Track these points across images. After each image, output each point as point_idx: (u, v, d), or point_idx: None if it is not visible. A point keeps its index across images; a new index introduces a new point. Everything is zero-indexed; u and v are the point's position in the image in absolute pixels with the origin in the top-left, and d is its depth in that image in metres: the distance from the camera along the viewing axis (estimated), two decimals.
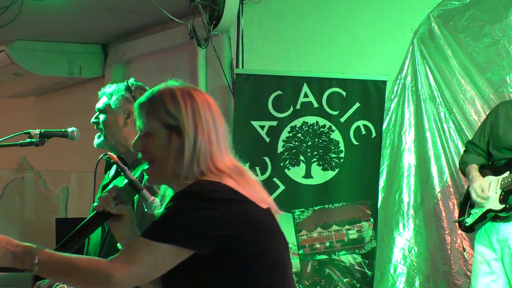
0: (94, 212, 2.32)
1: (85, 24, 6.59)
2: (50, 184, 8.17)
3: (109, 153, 2.91)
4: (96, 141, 3.68)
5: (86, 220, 2.33)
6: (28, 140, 3.37)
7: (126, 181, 2.82)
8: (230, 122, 5.69)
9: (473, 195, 4.61)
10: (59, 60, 7.23)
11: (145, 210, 2.88)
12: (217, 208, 2.10)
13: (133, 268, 2.09)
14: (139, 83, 3.71)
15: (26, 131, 3.39)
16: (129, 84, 3.67)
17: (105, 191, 2.35)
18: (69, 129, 3.47)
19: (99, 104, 3.68)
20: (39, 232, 7.92)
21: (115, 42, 7.11)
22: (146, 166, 2.26)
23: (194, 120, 2.20)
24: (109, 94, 3.66)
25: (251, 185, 2.21)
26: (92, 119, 3.69)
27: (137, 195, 2.52)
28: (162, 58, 6.71)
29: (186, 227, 2.08)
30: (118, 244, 2.36)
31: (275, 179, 5.34)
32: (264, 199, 2.23)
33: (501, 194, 4.54)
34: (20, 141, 3.39)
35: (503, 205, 4.52)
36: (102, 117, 3.65)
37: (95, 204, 2.32)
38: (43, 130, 3.39)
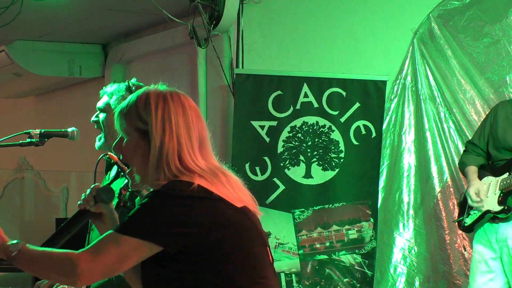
0: (78, 211, 2.42)
1: (85, 24, 6.59)
2: (50, 184, 8.17)
3: (109, 153, 2.91)
4: (97, 143, 3.67)
5: (69, 218, 2.41)
6: (28, 140, 3.37)
7: (126, 181, 2.83)
8: (230, 122, 5.69)
9: (469, 201, 4.62)
10: (59, 60, 7.23)
11: None
12: (183, 205, 2.16)
13: (97, 259, 2.15)
14: (140, 83, 3.71)
15: (26, 131, 3.39)
16: (130, 84, 3.67)
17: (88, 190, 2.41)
18: (69, 129, 3.47)
19: (100, 103, 3.68)
20: (39, 232, 7.91)
21: (115, 42, 7.11)
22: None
23: (162, 124, 2.25)
24: (109, 93, 3.65)
25: (226, 185, 2.25)
26: (92, 118, 3.69)
27: (138, 197, 2.52)
28: (162, 58, 6.71)
29: (152, 222, 2.15)
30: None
31: (275, 179, 5.34)
32: (239, 199, 2.25)
33: (499, 195, 4.54)
34: (20, 141, 3.39)
35: (502, 207, 4.52)
36: (102, 116, 3.65)
37: (79, 203, 2.40)
38: (43, 130, 3.38)
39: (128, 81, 3.69)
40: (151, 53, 6.76)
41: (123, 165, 2.86)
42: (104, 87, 3.71)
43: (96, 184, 2.41)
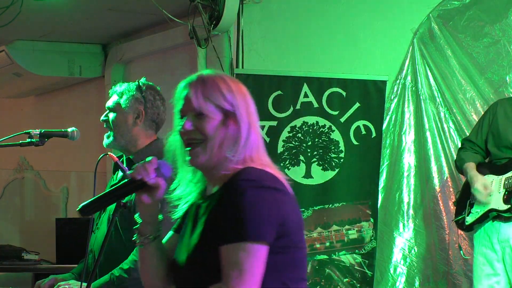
0: (128, 180, 2.24)
1: (85, 24, 6.59)
2: (50, 184, 8.17)
3: (109, 153, 2.91)
4: (106, 141, 3.67)
5: (117, 184, 2.26)
6: (28, 140, 3.38)
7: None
8: None
9: (478, 196, 4.58)
10: (59, 60, 7.23)
11: None
12: (280, 200, 2.12)
13: (247, 279, 2.03)
14: (151, 83, 3.72)
15: (26, 131, 3.39)
16: (140, 84, 3.68)
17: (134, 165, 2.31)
18: (69, 129, 3.47)
19: (109, 103, 3.68)
20: (39, 232, 7.92)
21: (115, 42, 7.11)
22: (187, 149, 2.23)
23: (247, 110, 2.25)
24: (119, 93, 3.65)
25: None
26: (102, 117, 3.69)
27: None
28: (162, 58, 6.71)
29: (267, 222, 2.07)
30: (136, 215, 2.31)
31: None
32: None
33: (504, 194, 4.52)
34: (20, 141, 3.39)
35: (508, 206, 4.49)
36: (112, 115, 3.65)
37: (130, 172, 2.24)
38: (43, 130, 3.39)
39: (138, 81, 3.69)
40: (151, 53, 6.76)
41: (123, 165, 2.86)
42: (113, 87, 3.71)
43: (153, 157, 2.27)
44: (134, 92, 3.64)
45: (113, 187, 2.25)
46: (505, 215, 4.51)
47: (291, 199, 2.18)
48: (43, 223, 7.97)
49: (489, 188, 4.56)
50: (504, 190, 4.52)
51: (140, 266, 2.36)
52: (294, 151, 5.36)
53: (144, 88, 3.66)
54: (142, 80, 3.72)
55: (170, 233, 2.41)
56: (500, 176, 4.58)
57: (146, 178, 2.20)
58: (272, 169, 2.20)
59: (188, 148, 2.23)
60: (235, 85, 2.28)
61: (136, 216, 2.29)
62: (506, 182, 4.53)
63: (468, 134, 5.28)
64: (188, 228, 2.28)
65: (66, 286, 3.50)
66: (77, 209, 2.18)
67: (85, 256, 3.61)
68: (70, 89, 7.86)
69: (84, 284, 3.30)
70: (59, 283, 3.52)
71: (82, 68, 7.28)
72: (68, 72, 7.27)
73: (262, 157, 2.23)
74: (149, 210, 2.26)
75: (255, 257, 2.04)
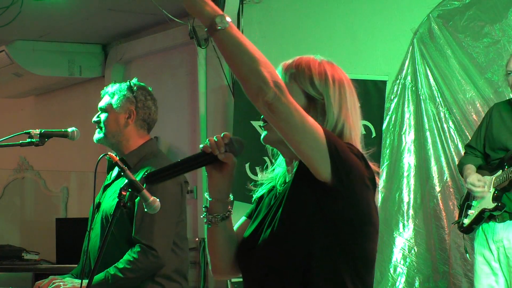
0: (199, 152, 2.17)
1: (85, 24, 6.59)
2: (50, 184, 8.17)
3: (109, 153, 2.91)
4: (96, 136, 3.69)
5: (188, 156, 2.18)
6: (28, 140, 3.38)
7: (126, 181, 2.83)
8: (230, 122, 5.69)
9: (474, 190, 4.62)
10: (59, 60, 7.23)
11: (145, 210, 2.88)
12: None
13: (288, 97, 2.05)
14: (142, 84, 3.72)
15: (26, 131, 3.39)
16: (132, 84, 3.68)
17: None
18: (69, 129, 3.47)
19: (101, 103, 3.68)
20: (39, 232, 7.92)
21: (115, 42, 7.11)
22: (263, 124, 2.19)
23: (339, 102, 2.19)
24: (111, 93, 3.66)
25: None
26: (94, 118, 3.70)
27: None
28: (162, 58, 6.71)
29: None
30: (206, 193, 2.23)
31: None
32: None
33: (494, 192, 4.56)
34: (20, 141, 3.39)
35: (496, 204, 4.54)
36: (103, 116, 3.66)
37: (202, 146, 2.17)
38: (43, 130, 3.39)
39: (129, 81, 3.69)
40: (151, 53, 6.76)
41: (123, 165, 2.86)
42: (105, 87, 3.72)
43: (226, 132, 2.21)
44: (125, 92, 3.65)
45: (184, 158, 2.18)
46: (494, 213, 4.55)
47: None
48: (43, 223, 7.97)
49: (483, 180, 4.59)
50: (493, 189, 4.57)
51: (208, 246, 2.27)
52: None
53: (135, 88, 3.67)
54: (134, 80, 3.73)
55: (243, 218, 2.34)
56: (492, 176, 4.62)
57: (216, 152, 2.14)
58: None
59: (263, 124, 2.20)
60: (335, 73, 2.23)
61: (206, 194, 2.22)
62: (496, 181, 4.57)
63: (468, 134, 5.30)
64: (262, 213, 2.22)
65: (61, 283, 3.50)
66: (144, 176, 2.12)
67: (84, 256, 3.61)
68: (70, 89, 7.86)
69: (84, 283, 3.30)
70: (53, 281, 3.52)
71: (82, 68, 7.28)
72: (68, 72, 7.27)
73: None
74: (218, 186, 2.19)
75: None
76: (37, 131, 3.38)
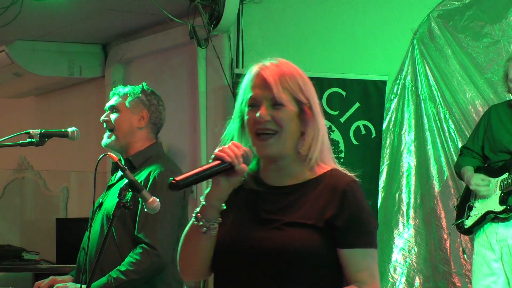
0: (219, 160, 2.15)
1: (85, 24, 6.59)
2: (50, 184, 8.17)
3: (109, 153, 2.91)
4: (106, 140, 3.68)
5: (209, 164, 2.16)
6: (28, 140, 3.38)
7: (126, 181, 2.83)
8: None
9: (479, 190, 4.59)
10: (59, 60, 7.22)
11: (145, 210, 2.88)
12: None
13: (378, 282, 2.19)
14: (152, 89, 3.76)
15: (26, 131, 3.39)
16: (145, 88, 3.71)
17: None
18: (69, 129, 3.47)
19: (112, 102, 3.68)
20: (39, 232, 7.91)
21: (115, 42, 7.11)
22: (261, 137, 2.19)
23: (320, 108, 2.24)
24: (123, 93, 3.67)
25: None
26: (103, 117, 3.70)
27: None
28: (162, 58, 6.70)
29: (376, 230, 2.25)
30: (202, 197, 2.21)
31: None
32: None
33: (500, 195, 4.55)
34: (20, 141, 3.39)
35: (504, 207, 4.52)
36: (114, 116, 3.66)
37: (218, 149, 2.16)
38: (43, 130, 3.39)
39: (142, 85, 3.73)
40: (151, 53, 6.76)
41: (122, 165, 2.86)
42: (115, 88, 3.73)
43: (235, 141, 2.20)
44: (140, 95, 3.67)
45: (203, 166, 2.16)
46: (502, 216, 4.54)
47: None
48: (43, 223, 7.97)
49: (487, 179, 4.58)
50: (499, 192, 4.55)
51: (189, 250, 2.25)
52: None
53: (149, 92, 3.70)
54: (145, 84, 3.76)
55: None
56: (496, 178, 4.60)
57: (234, 163, 2.14)
58: (339, 167, 2.26)
59: (261, 138, 2.19)
60: (306, 77, 2.25)
61: (202, 197, 2.20)
62: (502, 184, 4.55)
63: (467, 134, 5.29)
64: (249, 214, 2.22)
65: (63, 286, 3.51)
66: (168, 181, 2.11)
67: (83, 255, 3.61)
68: (70, 89, 7.86)
69: (84, 286, 3.30)
70: (56, 285, 3.52)
71: (82, 68, 7.27)
72: (68, 72, 7.27)
73: (332, 159, 2.25)
74: (221, 194, 2.18)
75: (376, 262, 2.21)
76: (37, 131, 3.38)
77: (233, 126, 2.28)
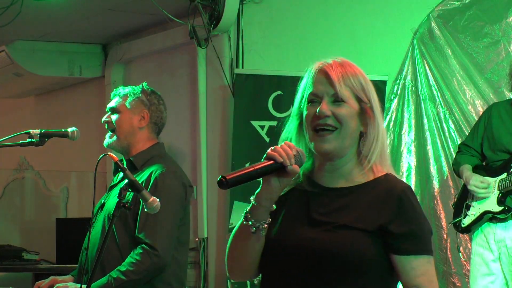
0: (268, 161, 2.12)
1: (85, 24, 6.59)
2: (50, 184, 8.17)
3: (109, 153, 2.91)
4: (107, 140, 3.68)
5: (261, 163, 2.13)
6: (28, 140, 3.38)
7: (126, 181, 2.83)
8: (230, 122, 5.69)
9: (478, 191, 4.58)
10: (59, 60, 7.23)
11: (146, 210, 2.89)
12: None
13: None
14: (152, 88, 3.76)
15: (26, 131, 3.39)
16: (145, 88, 3.71)
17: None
18: (69, 129, 3.47)
19: (112, 104, 3.69)
20: (39, 232, 7.92)
21: (115, 42, 7.11)
22: (320, 132, 2.16)
23: (381, 111, 2.21)
24: (123, 94, 3.68)
25: None
26: (104, 118, 3.70)
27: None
28: (162, 58, 6.71)
29: (431, 237, 2.20)
30: (252, 197, 2.17)
31: None
32: None
33: (498, 195, 4.54)
34: (20, 141, 3.39)
35: (502, 207, 4.50)
36: (115, 117, 3.66)
37: (270, 149, 2.12)
38: (43, 130, 3.39)
39: (142, 85, 3.74)
40: (151, 53, 6.76)
41: (122, 165, 2.86)
42: (115, 89, 3.74)
43: (290, 143, 2.16)
44: (140, 95, 3.68)
45: (254, 165, 2.12)
46: (500, 216, 4.52)
47: None
48: (43, 223, 7.97)
49: (486, 181, 4.57)
50: (498, 192, 4.54)
51: (238, 251, 2.22)
52: None
53: (149, 91, 3.71)
54: (145, 84, 3.76)
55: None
56: (495, 178, 4.59)
57: (287, 163, 2.10)
58: (393, 170, 2.24)
59: (321, 133, 2.15)
60: (369, 81, 2.23)
61: (252, 197, 2.17)
62: (500, 184, 4.54)
63: (467, 134, 5.29)
64: (300, 215, 2.20)
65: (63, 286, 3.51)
66: (218, 179, 2.06)
67: (84, 255, 3.61)
68: (70, 89, 7.86)
69: (84, 286, 3.30)
70: (57, 285, 3.52)
71: (82, 68, 7.28)
72: (68, 72, 7.27)
73: (388, 151, 2.23)
74: (271, 195, 2.14)
75: (433, 268, 2.17)
76: (37, 131, 3.38)
77: (291, 125, 2.25)
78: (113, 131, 3.67)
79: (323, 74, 2.19)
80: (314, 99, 2.19)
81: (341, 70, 2.19)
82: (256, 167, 2.11)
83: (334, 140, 2.14)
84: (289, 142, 2.15)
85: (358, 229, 2.11)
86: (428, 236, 2.16)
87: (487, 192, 4.57)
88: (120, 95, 3.69)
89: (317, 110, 2.15)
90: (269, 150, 2.12)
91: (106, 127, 3.71)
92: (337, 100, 2.15)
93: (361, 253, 2.09)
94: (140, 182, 3.53)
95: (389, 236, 2.11)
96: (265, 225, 2.15)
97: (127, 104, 3.66)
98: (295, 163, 2.10)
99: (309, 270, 2.11)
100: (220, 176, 2.06)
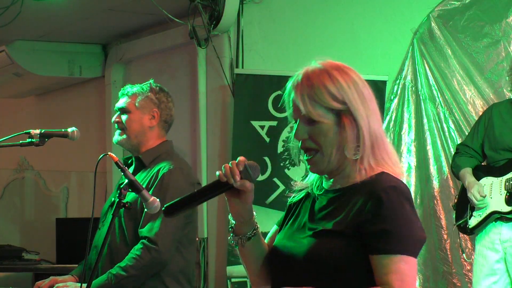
0: (215, 181, 2.13)
1: (85, 24, 6.59)
2: (50, 184, 8.17)
3: (109, 153, 2.91)
4: (117, 137, 3.70)
5: (205, 185, 2.16)
6: (28, 140, 3.38)
7: (126, 180, 2.84)
8: (230, 122, 5.69)
9: (474, 201, 4.58)
10: (59, 60, 7.23)
11: (145, 209, 2.89)
12: (416, 214, 2.15)
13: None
14: (160, 85, 3.75)
15: (26, 131, 3.39)
16: (153, 86, 3.71)
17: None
18: (69, 129, 3.47)
19: (121, 103, 3.70)
20: (39, 232, 7.92)
21: (115, 42, 7.11)
22: (305, 157, 2.16)
23: (362, 102, 2.12)
24: (132, 93, 3.69)
25: None
26: (114, 118, 3.71)
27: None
28: (162, 58, 6.71)
29: (417, 237, 2.12)
30: (230, 216, 2.21)
31: (275, 179, 5.33)
32: None
33: (506, 195, 4.51)
34: (20, 141, 3.39)
35: (511, 207, 4.47)
36: (124, 117, 3.67)
37: (218, 173, 2.12)
38: (43, 130, 3.39)
39: (150, 83, 3.74)
40: (151, 53, 6.76)
41: (123, 165, 2.87)
42: (123, 88, 3.74)
43: (241, 157, 2.15)
44: (149, 94, 3.68)
45: (200, 189, 2.17)
46: (509, 216, 4.49)
47: None
48: (43, 223, 7.97)
49: (483, 194, 4.56)
50: (506, 192, 4.51)
51: (242, 263, 2.28)
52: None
53: (157, 89, 3.71)
54: (152, 81, 3.76)
55: (275, 228, 2.34)
56: (500, 178, 4.56)
57: (231, 181, 2.10)
58: (399, 167, 2.15)
59: (306, 157, 2.16)
60: (345, 76, 2.14)
61: (230, 216, 2.20)
62: (507, 184, 4.51)
63: (467, 134, 5.28)
64: (303, 221, 2.21)
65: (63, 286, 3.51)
66: (163, 209, 2.13)
67: (85, 254, 3.62)
68: (70, 89, 7.86)
69: (84, 285, 3.30)
70: (57, 285, 3.53)
71: (82, 68, 7.28)
72: (68, 72, 7.27)
73: (394, 156, 2.15)
74: (239, 211, 2.16)
75: (413, 269, 2.08)
76: (37, 131, 3.38)
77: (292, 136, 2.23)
78: (123, 129, 3.68)
79: (292, 95, 2.16)
80: (294, 119, 2.18)
81: (307, 87, 2.12)
82: (201, 191, 2.16)
83: (320, 162, 2.14)
84: (241, 157, 2.14)
85: (336, 233, 2.09)
86: (406, 236, 2.07)
87: (483, 204, 4.56)
88: (129, 94, 3.69)
89: (293, 134, 2.16)
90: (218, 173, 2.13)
91: (116, 127, 3.72)
92: (310, 120, 2.12)
93: (335, 259, 2.06)
94: (148, 178, 3.55)
95: (365, 237, 2.06)
96: (247, 237, 2.20)
97: (137, 104, 3.67)
98: (244, 178, 2.10)
99: (293, 276, 2.13)
100: (165, 206, 2.13)
